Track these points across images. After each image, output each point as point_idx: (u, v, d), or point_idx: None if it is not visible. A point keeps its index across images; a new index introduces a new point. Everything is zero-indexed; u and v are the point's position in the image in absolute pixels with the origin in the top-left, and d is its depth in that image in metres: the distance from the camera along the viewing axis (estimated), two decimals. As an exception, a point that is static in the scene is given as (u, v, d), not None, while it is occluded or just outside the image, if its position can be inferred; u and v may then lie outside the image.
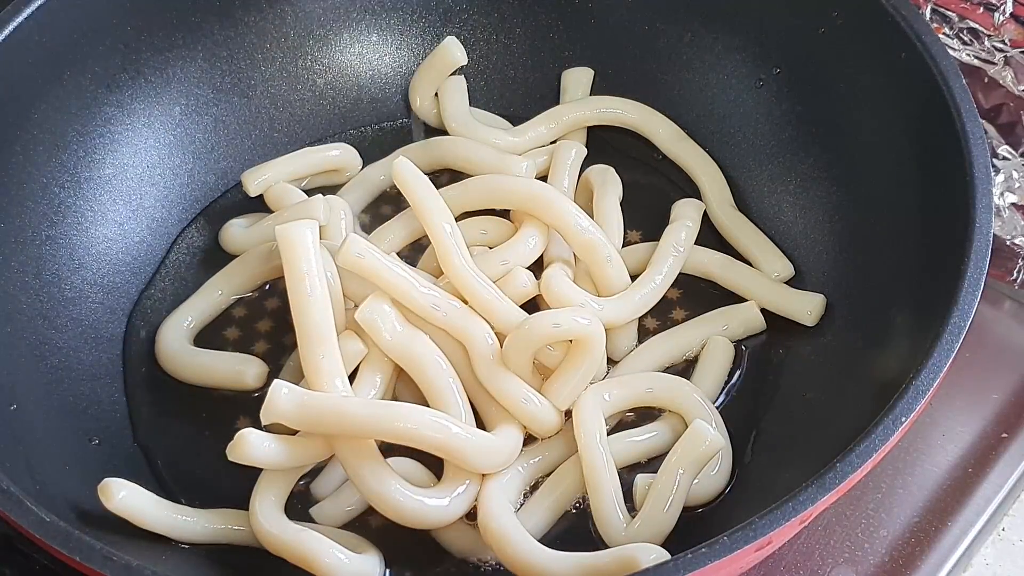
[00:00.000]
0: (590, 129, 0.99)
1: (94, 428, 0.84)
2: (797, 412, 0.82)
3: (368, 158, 0.98)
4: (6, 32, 0.84)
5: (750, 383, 0.85)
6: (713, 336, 0.85)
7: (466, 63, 0.99)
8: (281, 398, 0.74)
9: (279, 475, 0.77)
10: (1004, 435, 0.88)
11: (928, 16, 0.93)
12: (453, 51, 0.98)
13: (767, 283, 0.88)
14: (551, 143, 0.98)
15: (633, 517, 0.76)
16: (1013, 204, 0.94)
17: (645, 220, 0.93)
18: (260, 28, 0.99)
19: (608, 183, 0.92)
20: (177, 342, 0.87)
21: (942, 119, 0.77)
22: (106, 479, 0.73)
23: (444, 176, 0.95)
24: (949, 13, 0.93)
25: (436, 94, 1.00)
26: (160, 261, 0.94)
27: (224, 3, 0.97)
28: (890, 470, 0.85)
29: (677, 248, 0.88)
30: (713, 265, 0.89)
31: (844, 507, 0.84)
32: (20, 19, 0.85)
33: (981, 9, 0.92)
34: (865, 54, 0.86)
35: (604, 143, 0.98)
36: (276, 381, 0.75)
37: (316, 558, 0.73)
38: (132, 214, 0.94)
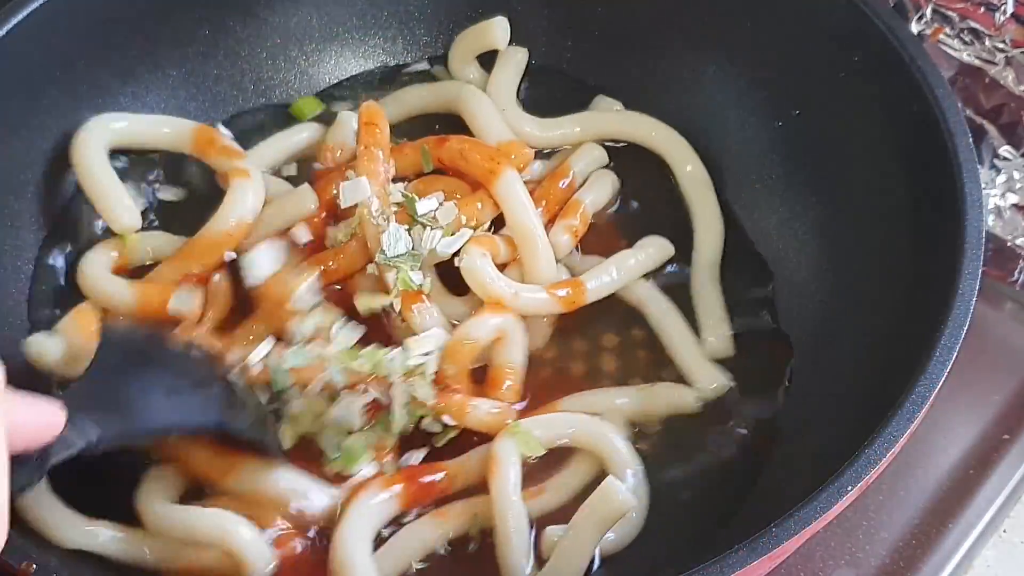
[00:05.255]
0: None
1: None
2: (793, 429, 0.82)
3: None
4: (18, 19, 0.84)
5: (750, 398, 0.84)
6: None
7: (503, 49, 0.98)
8: None
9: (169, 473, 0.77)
10: (1005, 437, 0.88)
11: (929, 16, 0.93)
12: (495, 30, 0.97)
13: (689, 346, 0.86)
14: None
15: (539, 568, 0.74)
16: (1014, 205, 0.93)
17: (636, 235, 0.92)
18: (284, 29, 0.99)
19: (596, 186, 0.92)
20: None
21: (944, 173, 0.77)
22: None
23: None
24: (950, 13, 0.93)
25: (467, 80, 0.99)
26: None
27: (250, 1, 0.97)
28: (891, 472, 0.85)
29: (619, 271, 0.87)
30: (650, 304, 0.87)
31: (845, 509, 0.83)
32: (35, 5, 0.84)
33: (982, 9, 0.92)
34: (878, 104, 0.85)
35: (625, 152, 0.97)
36: None
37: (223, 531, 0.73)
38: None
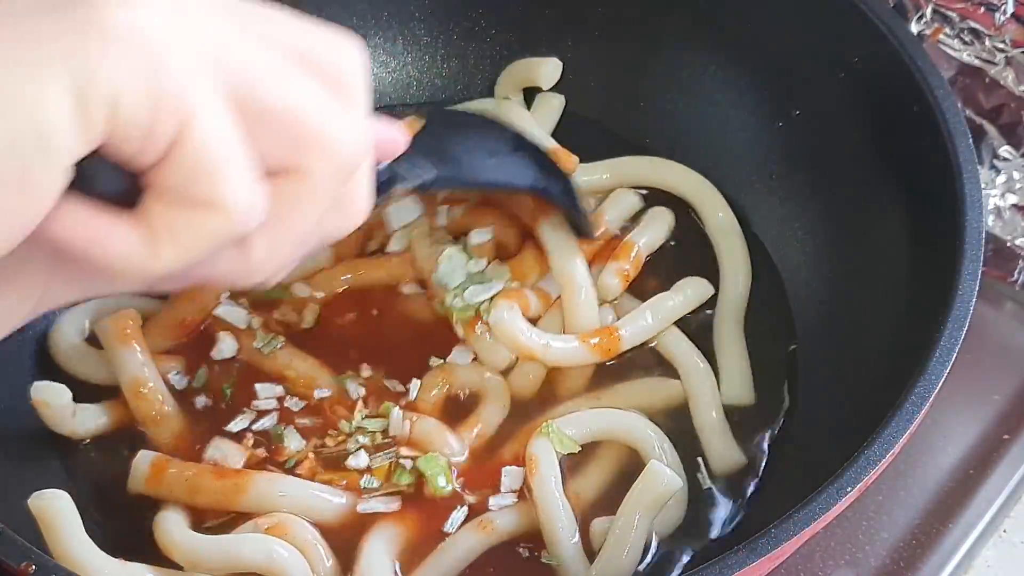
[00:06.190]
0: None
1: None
2: (793, 429, 0.82)
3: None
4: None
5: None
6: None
7: (545, 89, 0.98)
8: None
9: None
10: (1005, 436, 0.88)
11: (929, 16, 0.93)
12: (545, 68, 0.97)
13: (717, 419, 0.82)
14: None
15: (592, 562, 0.73)
16: (1014, 205, 0.94)
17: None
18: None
19: (651, 227, 0.90)
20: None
21: (944, 173, 0.76)
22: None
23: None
24: (950, 13, 0.93)
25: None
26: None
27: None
28: (891, 472, 0.85)
29: (655, 316, 0.84)
30: (680, 358, 0.84)
31: (845, 509, 0.83)
32: None
33: (982, 9, 0.92)
34: (878, 104, 0.85)
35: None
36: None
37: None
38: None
